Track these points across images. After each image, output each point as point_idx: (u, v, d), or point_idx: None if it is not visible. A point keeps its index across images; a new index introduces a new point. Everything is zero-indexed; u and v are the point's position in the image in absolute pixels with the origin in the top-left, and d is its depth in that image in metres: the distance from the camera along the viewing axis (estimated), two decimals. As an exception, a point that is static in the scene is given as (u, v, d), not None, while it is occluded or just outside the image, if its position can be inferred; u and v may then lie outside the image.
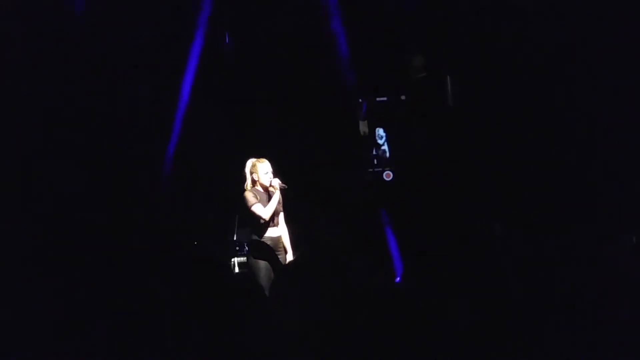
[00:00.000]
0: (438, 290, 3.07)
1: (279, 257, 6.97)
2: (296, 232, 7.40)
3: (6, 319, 3.76)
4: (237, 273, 7.79)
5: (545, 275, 3.63)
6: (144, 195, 8.63)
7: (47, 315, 3.77)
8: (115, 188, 8.19)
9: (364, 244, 8.65)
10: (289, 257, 7.06)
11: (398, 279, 3.86)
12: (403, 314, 2.86)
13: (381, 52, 8.99)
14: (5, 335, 3.56)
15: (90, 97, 8.32)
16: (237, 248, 8.30)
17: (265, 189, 7.03)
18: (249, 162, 7.10)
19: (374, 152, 9.31)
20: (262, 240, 6.96)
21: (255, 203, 6.91)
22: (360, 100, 9.22)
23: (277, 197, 6.98)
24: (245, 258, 7.93)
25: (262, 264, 6.87)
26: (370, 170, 9.30)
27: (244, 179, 7.09)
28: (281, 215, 7.12)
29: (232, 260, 8.45)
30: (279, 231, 7.08)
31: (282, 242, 7.09)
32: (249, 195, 6.96)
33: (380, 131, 9.27)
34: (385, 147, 9.24)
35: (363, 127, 9.28)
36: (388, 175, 9.23)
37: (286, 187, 7.04)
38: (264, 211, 6.90)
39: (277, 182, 7.00)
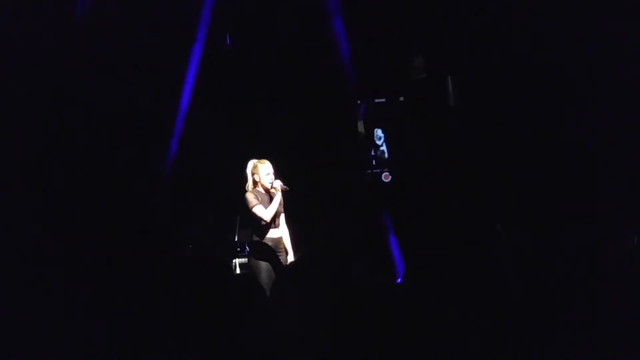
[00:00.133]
0: (438, 291, 3.07)
1: (280, 258, 6.96)
2: (297, 233, 7.40)
3: (6, 319, 3.77)
4: (238, 274, 7.79)
5: (545, 275, 3.63)
6: (144, 196, 8.63)
7: (47, 315, 3.77)
8: (116, 188, 8.18)
9: (364, 245, 8.64)
10: (290, 258, 7.06)
11: (399, 279, 3.86)
12: (403, 314, 2.86)
13: (380, 53, 8.99)
14: (5, 335, 3.56)
15: (90, 97, 8.32)
16: (238, 249, 8.30)
17: (267, 190, 7.02)
18: (250, 163, 7.09)
19: (373, 153, 9.31)
20: (263, 241, 6.95)
21: (257, 204, 6.90)
22: (359, 101, 9.21)
23: (278, 198, 6.97)
24: (246, 259, 7.93)
25: (263, 264, 6.86)
26: (369, 171, 9.30)
27: (245, 179, 7.09)
28: (282, 216, 7.11)
29: (234, 261, 8.45)
30: (280, 232, 7.08)
31: (283, 243, 7.08)
32: (250, 197, 6.95)
33: (379, 132, 9.26)
34: (384, 148, 9.24)
35: (361, 128, 9.28)
36: (387, 177, 9.23)
37: (288, 189, 7.03)
38: (265, 213, 6.89)
39: (278, 184, 6.99)
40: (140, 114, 8.70)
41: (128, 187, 8.33)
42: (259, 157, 7.13)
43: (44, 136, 7.85)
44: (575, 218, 6.61)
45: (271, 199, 6.98)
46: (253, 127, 9.18)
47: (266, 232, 6.97)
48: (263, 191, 7.03)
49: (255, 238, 7.02)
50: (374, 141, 9.26)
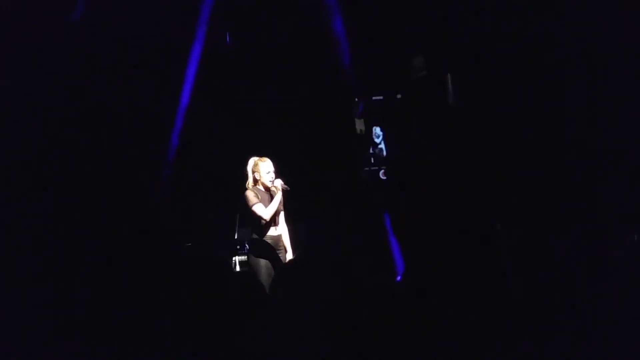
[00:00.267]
0: (438, 290, 3.07)
1: (279, 256, 6.97)
2: (296, 231, 7.40)
3: (6, 319, 3.77)
4: (237, 272, 7.80)
5: (545, 275, 3.63)
6: (144, 195, 8.63)
7: (46, 315, 3.77)
8: (116, 187, 8.18)
9: (363, 243, 8.65)
10: (289, 256, 7.06)
11: (399, 277, 3.86)
12: (403, 313, 2.86)
13: (379, 52, 8.99)
14: (6, 335, 3.56)
15: (91, 96, 8.32)
16: (238, 247, 8.30)
17: (267, 188, 7.02)
18: (251, 161, 7.08)
19: (371, 151, 9.30)
20: (263, 239, 6.96)
21: (256, 203, 6.90)
22: (356, 99, 9.21)
23: (278, 197, 6.97)
24: (245, 257, 7.94)
25: (263, 262, 6.87)
26: (367, 169, 9.30)
27: (246, 177, 7.08)
28: (281, 215, 7.11)
29: (233, 259, 8.45)
30: (280, 230, 7.08)
31: (283, 241, 7.08)
32: (250, 195, 6.95)
33: (377, 130, 9.26)
34: (382, 145, 9.24)
35: (360, 125, 9.27)
36: (385, 174, 9.23)
37: (288, 188, 7.03)
38: (264, 212, 6.89)
39: (279, 183, 6.98)
40: (140, 113, 8.70)
41: (128, 186, 8.32)
42: (258, 154, 7.12)
43: (44, 136, 7.84)
44: (575, 218, 6.61)
45: (271, 197, 6.97)
46: (252, 125, 9.18)
47: (266, 230, 6.97)
48: (263, 189, 7.02)
49: (255, 236, 7.02)
50: (373, 139, 9.26)
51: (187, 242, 8.24)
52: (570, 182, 7.18)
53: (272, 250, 6.94)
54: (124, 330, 3.11)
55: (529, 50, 7.55)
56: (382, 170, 9.23)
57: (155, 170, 8.91)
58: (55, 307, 3.93)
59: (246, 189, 7.02)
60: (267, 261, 6.87)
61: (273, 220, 6.99)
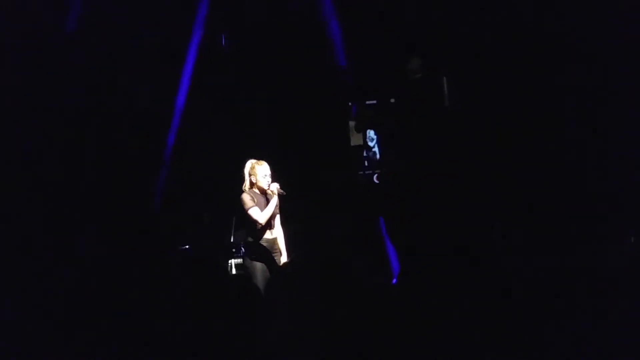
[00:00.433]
0: (435, 291, 3.06)
1: (275, 258, 6.97)
2: (292, 233, 7.40)
3: (6, 319, 3.77)
4: (233, 275, 7.80)
5: (545, 276, 3.63)
6: (141, 197, 8.63)
7: (44, 316, 3.77)
8: (113, 189, 8.18)
9: (359, 246, 8.64)
10: (284, 259, 7.06)
11: (394, 280, 3.86)
12: (399, 315, 2.86)
13: (374, 55, 8.99)
14: (5, 335, 3.57)
15: (88, 98, 8.32)
16: (234, 250, 8.30)
17: (263, 191, 7.01)
18: (248, 163, 7.08)
19: (365, 154, 9.32)
20: (259, 242, 6.96)
21: (252, 206, 6.89)
22: (350, 103, 9.23)
23: (274, 201, 6.96)
24: (241, 260, 7.94)
25: (259, 265, 6.87)
26: (361, 172, 9.31)
27: (243, 179, 7.08)
28: (277, 218, 7.11)
29: (229, 261, 8.45)
30: (275, 233, 7.07)
31: (278, 244, 7.09)
32: (246, 198, 6.94)
33: (371, 133, 9.27)
34: (375, 149, 9.25)
35: (354, 129, 9.28)
36: (378, 178, 9.24)
37: (284, 193, 7.03)
38: (260, 215, 6.89)
39: (275, 187, 6.98)
40: (137, 115, 8.70)
41: (125, 187, 8.32)
42: (256, 157, 7.12)
43: (43, 136, 7.85)
44: (575, 218, 6.62)
45: (267, 200, 6.97)
46: (249, 127, 9.17)
47: (261, 233, 6.97)
48: (259, 192, 7.02)
49: (250, 239, 7.02)
50: (366, 142, 9.27)
51: (183, 245, 8.24)
52: (570, 182, 7.18)
53: (267, 253, 6.93)
54: (122, 331, 3.11)
55: (529, 50, 7.56)
56: (376, 174, 9.23)
57: (152, 172, 8.91)
58: (52, 309, 3.93)
59: (243, 191, 7.02)
60: (263, 264, 6.87)
61: (269, 224, 6.98)
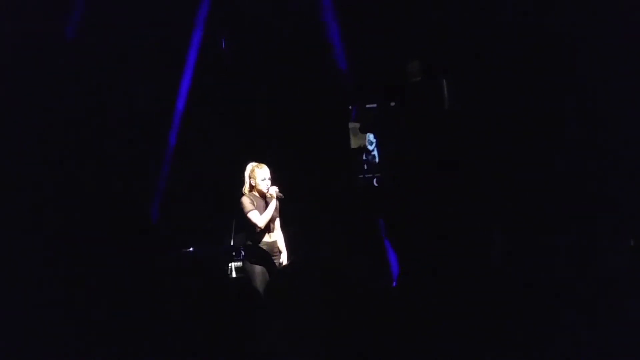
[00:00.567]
0: (435, 292, 3.05)
1: (275, 262, 6.97)
2: (292, 236, 7.39)
3: (6, 320, 3.76)
4: (233, 278, 7.79)
5: (545, 275, 3.62)
6: (140, 199, 8.62)
7: (44, 317, 3.76)
8: (112, 191, 8.17)
9: (359, 249, 8.63)
10: (284, 261, 7.05)
11: (394, 283, 3.84)
12: (399, 316, 2.85)
13: (373, 58, 8.99)
14: (6, 335, 3.56)
15: (88, 100, 8.31)
16: (234, 253, 8.30)
17: (262, 194, 7.01)
18: (249, 166, 7.09)
19: (364, 158, 9.32)
20: (259, 245, 6.96)
21: (252, 210, 6.90)
22: (350, 107, 9.23)
23: (273, 205, 6.97)
24: (241, 263, 7.93)
25: (259, 268, 6.88)
26: (361, 176, 9.31)
27: (243, 182, 7.08)
28: (277, 221, 7.10)
29: (229, 265, 8.43)
30: (275, 236, 7.07)
31: (278, 247, 7.08)
32: (245, 201, 6.95)
33: (370, 137, 9.28)
34: (375, 152, 9.25)
35: (353, 132, 9.28)
36: (378, 182, 9.24)
37: (283, 197, 7.02)
38: (259, 219, 6.89)
39: (274, 191, 6.98)
40: (136, 117, 8.70)
41: (124, 190, 8.31)
42: (255, 160, 7.12)
43: (43, 137, 7.84)
44: (575, 218, 6.60)
45: (267, 203, 6.97)
46: (249, 130, 9.17)
47: (261, 237, 6.97)
48: (259, 195, 7.02)
49: (250, 242, 7.02)
50: (366, 146, 9.28)
51: (182, 248, 8.23)
52: (570, 182, 7.17)
53: (267, 256, 6.94)
54: (121, 335, 3.10)
55: (529, 50, 7.55)
56: (376, 178, 9.23)
57: (151, 173, 8.90)
58: (51, 310, 3.92)
59: (242, 194, 7.02)
60: (262, 267, 6.87)
61: (268, 227, 6.99)
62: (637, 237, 5.75)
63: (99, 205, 7.95)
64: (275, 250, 7.05)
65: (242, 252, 7.47)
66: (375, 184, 9.22)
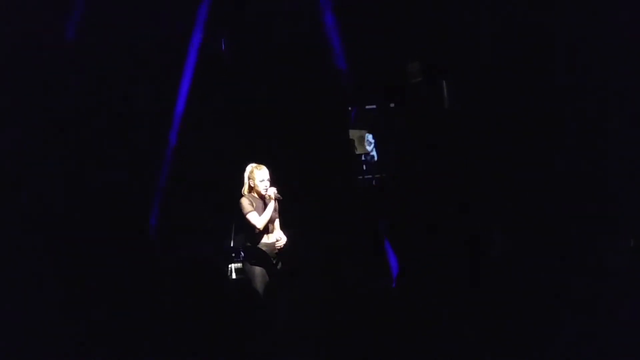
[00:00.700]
0: (435, 292, 3.06)
1: (274, 262, 6.96)
2: (291, 237, 7.38)
3: (6, 320, 3.76)
4: (234, 279, 7.79)
5: (545, 275, 3.62)
6: (141, 201, 8.62)
7: (44, 317, 3.76)
8: (112, 192, 8.17)
9: (358, 250, 8.63)
10: (284, 263, 7.06)
11: (394, 284, 3.85)
12: (398, 316, 2.85)
13: (373, 59, 8.99)
14: (6, 335, 3.56)
15: (88, 100, 8.31)
16: (233, 254, 8.28)
17: (261, 196, 7.02)
18: (249, 167, 7.09)
19: (363, 159, 9.32)
20: (258, 246, 6.96)
21: (251, 211, 6.90)
22: (349, 108, 9.23)
23: (272, 206, 6.96)
24: (241, 264, 7.92)
25: (258, 270, 6.86)
26: (360, 177, 9.31)
27: (242, 183, 7.09)
28: (276, 222, 7.10)
29: (229, 266, 8.43)
30: (274, 237, 7.07)
31: (277, 248, 7.08)
32: (244, 202, 6.96)
33: (369, 137, 9.27)
34: (373, 153, 9.25)
35: (352, 133, 9.29)
36: (377, 182, 9.23)
37: (281, 198, 7.03)
38: (258, 220, 6.89)
39: (272, 192, 6.98)
40: (136, 118, 8.69)
41: (124, 191, 8.31)
42: (255, 161, 7.12)
43: (42, 138, 7.84)
44: (575, 218, 6.60)
45: (265, 204, 6.97)
46: (249, 131, 9.16)
47: (260, 238, 6.96)
48: (258, 197, 7.03)
49: (249, 244, 7.03)
50: (365, 147, 9.28)
51: (183, 249, 8.22)
52: (570, 182, 7.17)
53: (267, 257, 6.93)
54: (122, 335, 3.10)
55: (529, 50, 7.55)
56: (375, 179, 9.23)
57: (151, 174, 8.90)
58: (54, 308, 3.92)
59: (242, 195, 7.03)
60: (262, 268, 6.87)
61: (267, 228, 6.99)
62: (637, 237, 5.75)
63: (98, 205, 7.95)
64: (275, 251, 7.05)
65: (242, 253, 7.46)
66: (375, 185, 9.22)
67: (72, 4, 8.46)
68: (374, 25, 8.86)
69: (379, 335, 2.75)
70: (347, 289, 2.80)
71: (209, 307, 2.87)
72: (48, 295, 4.23)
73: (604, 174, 7.14)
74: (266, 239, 6.99)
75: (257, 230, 6.93)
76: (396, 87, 8.72)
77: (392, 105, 9.01)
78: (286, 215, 7.25)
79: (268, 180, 7.02)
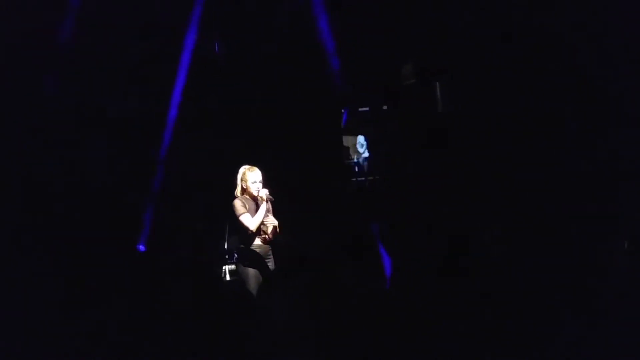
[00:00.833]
0: (432, 295, 3.05)
1: (268, 264, 6.98)
2: (284, 240, 7.38)
3: (7, 321, 3.76)
4: (228, 281, 7.80)
5: (545, 275, 3.62)
6: (134, 203, 8.62)
7: (44, 317, 3.76)
8: (107, 195, 8.17)
9: (352, 251, 8.62)
10: (278, 264, 7.06)
11: (387, 285, 3.84)
12: (392, 317, 2.85)
13: (367, 62, 8.99)
14: (6, 335, 3.56)
15: (83, 102, 8.32)
16: (227, 256, 8.29)
17: (254, 197, 7.03)
18: (241, 169, 7.11)
19: (356, 160, 9.33)
20: (251, 248, 6.97)
21: (244, 213, 6.92)
22: (342, 110, 9.23)
23: (264, 208, 6.98)
24: (235, 266, 7.94)
25: (252, 271, 6.89)
26: (354, 179, 9.31)
27: (235, 185, 7.10)
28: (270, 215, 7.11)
29: (223, 268, 8.43)
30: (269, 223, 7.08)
31: (271, 250, 7.09)
32: (237, 204, 6.97)
33: (361, 139, 9.28)
34: (366, 155, 9.26)
35: (345, 135, 9.30)
36: (370, 184, 9.24)
37: (273, 199, 7.04)
38: (250, 222, 6.91)
39: (264, 193, 6.99)
40: (129, 120, 8.69)
41: (116, 193, 8.31)
42: (249, 163, 7.13)
43: (39, 140, 7.85)
44: (575, 218, 6.60)
45: (258, 206, 6.98)
46: (242, 133, 9.16)
47: (253, 239, 6.98)
48: (250, 198, 7.03)
49: (242, 245, 7.04)
50: (357, 148, 9.29)
51: (177, 250, 8.23)
52: (570, 182, 7.17)
53: (260, 259, 6.94)
54: (118, 337, 3.10)
55: (529, 50, 7.55)
56: (368, 181, 9.24)
57: (144, 176, 8.90)
58: (54, 308, 3.92)
59: (235, 197, 7.04)
60: (255, 270, 6.88)
61: (260, 230, 7.00)
62: (632, 239, 5.75)
63: (98, 205, 7.96)
64: (269, 252, 7.07)
65: (235, 255, 7.48)
66: (368, 187, 9.23)
67: (66, 6, 8.46)
68: (367, 28, 8.86)
69: (372, 337, 2.74)
70: (339, 291, 2.79)
71: (204, 308, 2.87)
72: (48, 295, 4.22)
73: (604, 174, 7.13)
74: (258, 241, 7.01)
75: (250, 232, 6.95)
76: (389, 90, 8.72)
77: (385, 107, 9.01)
78: (278, 216, 7.25)
79: (260, 181, 7.03)
